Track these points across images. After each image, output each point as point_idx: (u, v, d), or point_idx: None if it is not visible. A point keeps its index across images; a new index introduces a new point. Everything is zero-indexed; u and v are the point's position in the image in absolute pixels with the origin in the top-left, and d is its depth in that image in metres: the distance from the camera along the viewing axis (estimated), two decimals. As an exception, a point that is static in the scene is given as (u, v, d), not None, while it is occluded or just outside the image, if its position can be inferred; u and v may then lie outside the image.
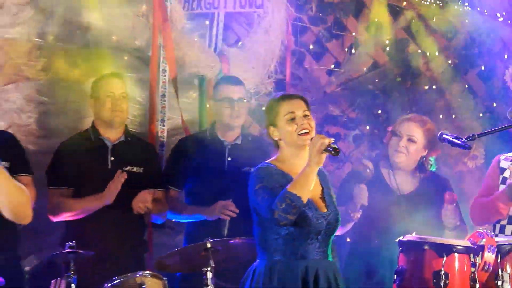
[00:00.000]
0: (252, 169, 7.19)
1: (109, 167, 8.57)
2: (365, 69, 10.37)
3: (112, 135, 8.58)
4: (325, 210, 6.87)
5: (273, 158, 7.00)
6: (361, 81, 10.35)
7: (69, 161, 8.56)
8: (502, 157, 8.53)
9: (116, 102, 8.11)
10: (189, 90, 9.90)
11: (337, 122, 10.27)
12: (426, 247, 7.20)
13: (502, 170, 8.45)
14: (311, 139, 6.71)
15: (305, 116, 6.85)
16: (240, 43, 9.88)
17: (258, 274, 6.83)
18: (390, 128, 8.65)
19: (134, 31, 9.64)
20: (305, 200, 6.61)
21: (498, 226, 8.44)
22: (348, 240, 8.85)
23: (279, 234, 6.74)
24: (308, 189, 6.64)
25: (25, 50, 9.21)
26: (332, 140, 6.70)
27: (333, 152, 6.59)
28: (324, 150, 6.52)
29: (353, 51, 10.40)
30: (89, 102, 8.68)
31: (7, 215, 6.29)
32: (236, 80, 9.08)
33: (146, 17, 9.59)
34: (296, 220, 6.71)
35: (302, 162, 6.82)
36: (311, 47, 10.19)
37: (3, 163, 6.32)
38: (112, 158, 8.18)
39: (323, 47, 10.31)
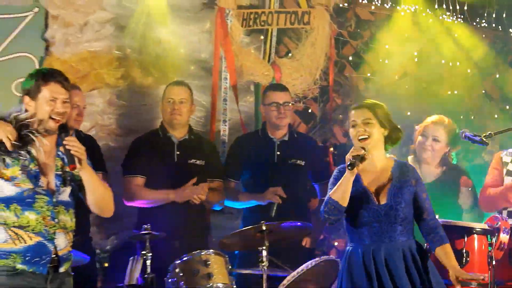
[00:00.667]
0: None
1: (175, 160, 8.99)
2: (396, 77, 10.64)
3: (177, 133, 8.97)
4: (383, 203, 6.97)
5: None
6: (393, 87, 10.58)
7: (141, 154, 8.95)
8: (504, 154, 8.80)
9: (175, 106, 8.45)
10: (247, 95, 10.25)
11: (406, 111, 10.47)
12: (448, 229, 7.44)
13: (505, 163, 8.73)
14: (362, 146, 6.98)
15: (366, 123, 6.97)
16: (290, 54, 10.16)
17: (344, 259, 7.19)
18: (417, 128, 8.95)
19: (199, 45, 10.09)
20: (344, 204, 6.83)
21: (505, 212, 8.66)
22: None
23: (348, 225, 7.14)
24: (345, 194, 6.83)
25: (106, 61, 9.64)
26: (361, 152, 6.84)
27: (349, 167, 6.77)
28: (349, 162, 6.78)
29: (386, 61, 10.60)
30: (160, 105, 9.09)
31: (93, 209, 6.44)
32: (282, 87, 9.39)
33: (209, 33, 10.01)
34: (353, 212, 7.03)
35: (368, 166, 7.04)
36: (350, 58, 10.50)
37: (88, 161, 6.41)
38: (178, 153, 8.54)
39: (360, 58, 10.60)
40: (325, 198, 7.05)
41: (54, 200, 6.07)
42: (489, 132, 8.17)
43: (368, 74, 10.61)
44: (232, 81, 9.86)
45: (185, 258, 7.88)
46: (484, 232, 7.62)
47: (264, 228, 7.70)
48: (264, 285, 7.75)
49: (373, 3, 10.57)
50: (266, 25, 10.12)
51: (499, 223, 7.60)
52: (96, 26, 9.79)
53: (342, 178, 6.91)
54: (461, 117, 9.94)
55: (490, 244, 7.45)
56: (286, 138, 9.04)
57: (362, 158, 6.72)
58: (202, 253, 7.89)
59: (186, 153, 8.86)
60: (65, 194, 6.15)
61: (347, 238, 7.34)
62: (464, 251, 7.58)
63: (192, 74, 10.05)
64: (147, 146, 9.31)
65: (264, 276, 7.74)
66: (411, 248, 6.93)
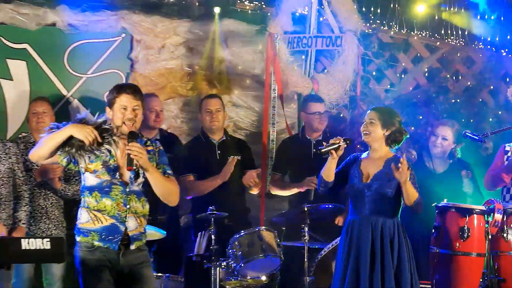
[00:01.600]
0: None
1: (217, 158, 9.38)
2: (411, 88, 11.05)
3: (215, 136, 9.45)
4: (368, 181, 7.57)
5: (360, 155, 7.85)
6: (408, 97, 10.96)
7: (190, 156, 9.37)
8: (507, 144, 9.08)
9: (213, 115, 8.90)
10: (291, 103, 10.60)
11: (421, 117, 10.74)
12: (454, 210, 8.07)
13: (506, 152, 9.05)
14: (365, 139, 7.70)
15: (370, 122, 7.58)
16: (325, 70, 10.56)
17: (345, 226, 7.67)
18: (429, 129, 9.41)
19: (253, 63, 10.51)
20: (328, 179, 7.59)
21: (508, 196, 9.05)
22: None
23: (350, 200, 7.71)
24: (329, 173, 7.57)
25: (179, 76, 10.21)
26: (337, 142, 7.49)
27: (319, 150, 7.59)
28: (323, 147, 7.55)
29: (402, 76, 11.12)
30: (199, 115, 9.57)
31: (161, 198, 6.79)
32: (321, 99, 9.81)
33: (261, 53, 10.43)
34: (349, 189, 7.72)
35: (371, 154, 7.76)
36: (374, 73, 10.89)
37: (164, 158, 6.93)
38: (219, 152, 8.96)
39: (382, 73, 10.99)
40: (322, 180, 7.67)
41: (127, 190, 6.56)
42: (486, 132, 8.87)
43: (388, 86, 11.01)
44: (280, 92, 10.24)
45: (242, 233, 8.34)
46: (482, 212, 8.08)
47: (305, 209, 8.28)
48: (306, 255, 8.32)
49: (392, 29, 10.92)
50: (306, 47, 10.47)
51: (494, 205, 8.03)
52: (171, 48, 10.26)
53: (327, 161, 7.56)
54: (463, 120, 10.27)
55: (487, 222, 8.02)
56: (320, 138, 9.37)
57: (337, 147, 7.33)
58: (256, 229, 8.39)
59: (225, 151, 9.27)
60: (136, 185, 6.63)
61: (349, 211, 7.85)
62: (466, 227, 8.00)
63: (247, 86, 10.57)
64: (194, 150, 9.61)
65: (306, 248, 8.33)
66: (393, 222, 7.48)
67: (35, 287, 9.05)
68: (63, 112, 9.91)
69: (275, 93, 10.35)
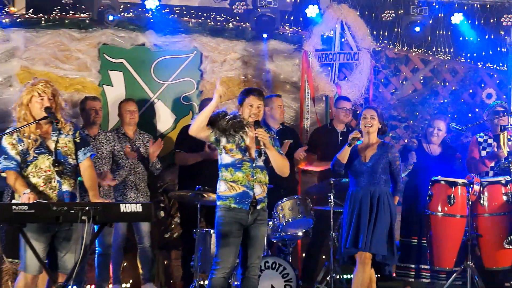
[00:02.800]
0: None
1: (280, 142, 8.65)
2: (410, 91, 11.22)
3: (276, 126, 9.42)
4: (367, 161, 7.97)
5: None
6: (408, 98, 11.22)
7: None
8: (478, 136, 9.34)
9: (281, 109, 8.95)
10: (320, 103, 10.78)
11: (396, 119, 11.08)
12: (443, 182, 8.39)
13: (479, 143, 9.28)
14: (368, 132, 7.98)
15: (372, 118, 7.98)
16: (346, 78, 10.74)
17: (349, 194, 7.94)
18: (426, 122, 9.62)
19: (292, 73, 10.76)
20: (343, 161, 7.93)
21: (483, 173, 9.15)
22: (406, 178, 9.36)
23: (350, 176, 7.94)
24: (345, 156, 7.92)
25: (237, 83, 10.51)
26: (358, 135, 7.98)
27: (349, 143, 7.94)
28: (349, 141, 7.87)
29: (404, 82, 11.29)
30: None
31: (277, 171, 7.31)
32: (348, 98, 9.97)
33: (298, 65, 10.69)
34: (352, 168, 8.06)
35: (367, 141, 8.10)
36: (382, 80, 11.08)
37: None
38: (277, 137, 7.82)
39: (388, 80, 11.18)
40: (337, 160, 7.99)
41: (254, 165, 6.97)
42: (467, 124, 9.22)
43: (393, 90, 11.18)
44: (312, 94, 10.46)
45: (285, 200, 8.63)
46: (464, 184, 8.42)
47: (331, 182, 8.52)
48: (331, 216, 8.66)
49: (396, 47, 11.16)
50: (332, 61, 10.75)
51: (474, 179, 8.32)
52: (230, 62, 10.56)
53: (344, 148, 7.92)
54: (449, 115, 10.45)
55: (468, 192, 8.28)
56: (345, 130, 9.58)
57: (358, 139, 7.64)
58: (295, 197, 8.69)
59: (281, 137, 8.80)
60: (260, 161, 7.01)
61: (350, 183, 8.09)
62: (452, 195, 8.41)
63: (287, 90, 10.76)
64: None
65: (331, 211, 8.63)
66: (384, 191, 7.87)
67: (128, 239, 9.33)
68: (148, 110, 10.28)
69: (308, 95, 10.57)
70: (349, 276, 8.59)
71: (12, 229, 7.51)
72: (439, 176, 8.77)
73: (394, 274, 9.57)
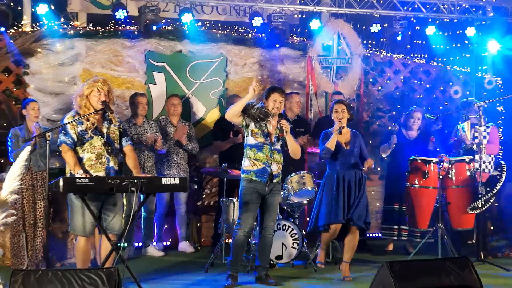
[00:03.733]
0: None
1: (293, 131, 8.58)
2: (393, 89, 11.14)
3: (292, 117, 9.21)
4: (348, 148, 7.68)
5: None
6: (391, 94, 11.18)
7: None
8: (459, 126, 9.18)
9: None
10: (321, 98, 10.66)
11: (381, 110, 11.07)
12: (419, 160, 8.35)
13: (457, 131, 9.13)
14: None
15: (343, 111, 7.69)
16: (342, 78, 10.64)
17: (325, 177, 7.73)
18: (407, 113, 9.36)
19: (299, 73, 10.62)
20: (332, 148, 7.51)
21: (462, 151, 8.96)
22: (386, 159, 9.51)
23: (325, 157, 7.61)
24: (333, 144, 7.53)
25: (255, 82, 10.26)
26: (342, 125, 7.66)
27: (338, 131, 7.59)
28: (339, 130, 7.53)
29: (388, 81, 11.19)
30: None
31: (291, 155, 7.36)
32: (340, 93, 9.83)
33: (304, 68, 10.55)
34: (334, 153, 7.62)
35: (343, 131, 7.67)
36: (370, 80, 11.00)
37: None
38: (292, 126, 7.81)
39: (376, 80, 11.09)
40: (323, 147, 7.63)
41: (272, 148, 7.04)
42: (438, 114, 9.20)
43: (380, 87, 11.08)
44: (314, 91, 10.44)
45: (293, 175, 8.50)
46: (436, 162, 8.33)
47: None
48: None
49: (382, 53, 11.06)
50: (330, 64, 10.71)
51: (443, 158, 8.27)
52: (250, 65, 10.49)
53: (332, 137, 7.55)
54: (423, 108, 10.28)
55: (439, 168, 8.24)
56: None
57: (342, 128, 7.46)
58: (301, 172, 8.56)
59: (296, 126, 9.08)
60: (278, 145, 7.08)
61: (327, 167, 7.85)
62: (426, 171, 8.39)
63: (295, 88, 10.54)
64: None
65: None
66: (358, 175, 7.61)
67: (169, 206, 9.34)
68: (185, 103, 10.08)
69: (312, 91, 10.53)
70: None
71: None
72: (416, 156, 8.72)
73: (380, 234, 9.73)
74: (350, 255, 7.69)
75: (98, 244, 6.93)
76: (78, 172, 6.27)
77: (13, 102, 8.99)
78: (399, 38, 11.07)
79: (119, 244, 6.51)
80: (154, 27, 9.91)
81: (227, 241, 8.41)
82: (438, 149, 9.16)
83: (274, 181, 7.23)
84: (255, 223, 7.49)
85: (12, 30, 9.30)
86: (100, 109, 6.60)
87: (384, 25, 10.83)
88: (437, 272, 5.51)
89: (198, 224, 10.02)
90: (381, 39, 11.05)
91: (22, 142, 7.59)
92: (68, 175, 6.42)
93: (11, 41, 9.25)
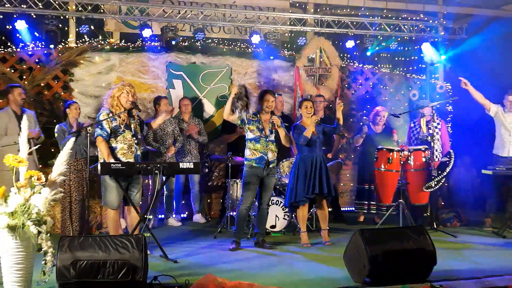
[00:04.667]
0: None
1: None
2: (363, 92, 10.96)
3: (277, 114, 8.44)
4: (316, 135, 7.39)
5: (301, 120, 7.58)
6: (363, 97, 10.94)
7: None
8: (411, 124, 9.12)
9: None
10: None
11: (355, 110, 10.87)
12: (384, 149, 8.27)
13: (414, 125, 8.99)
14: (311, 116, 7.41)
15: (311, 107, 7.51)
16: (323, 84, 10.49)
17: (298, 159, 7.48)
18: (374, 112, 9.26)
19: (289, 80, 10.45)
20: (309, 136, 7.28)
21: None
22: (359, 148, 9.41)
23: (301, 145, 7.35)
24: (310, 133, 7.29)
25: (253, 87, 10.13)
26: (318, 118, 7.49)
27: (317, 123, 7.41)
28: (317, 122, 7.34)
29: (360, 86, 11.01)
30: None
31: (283, 143, 7.29)
32: (322, 96, 9.62)
33: (292, 75, 10.38)
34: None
35: (311, 123, 7.40)
36: (346, 85, 10.84)
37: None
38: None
39: (350, 85, 10.91)
40: (302, 136, 7.34)
41: (267, 139, 7.05)
42: (400, 113, 8.95)
43: (353, 91, 10.90)
44: (301, 94, 10.23)
45: (284, 161, 8.56)
46: (398, 151, 8.30)
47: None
48: None
49: (355, 64, 10.89)
50: (314, 73, 10.53)
51: (404, 147, 8.30)
52: (250, 73, 10.39)
53: (309, 128, 7.33)
54: (388, 107, 10.07)
55: (400, 155, 8.25)
56: (323, 116, 9.06)
57: (318, 120, 7.32)
58: (291, 158, 8.45)
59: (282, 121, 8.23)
60: (272, 137, 7.05)
61: (300, 150, 7.54)
62: (390, 157, 8.31)
63: (286, 92, 10.39)
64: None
65: None
66: (323, 156, 7.42)
67: (185, 186, 9.25)
68: (198, 104, 10.07)
69: (299, 95, 10.35)
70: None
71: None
72: (382, 146, 8.66)
73: (353, 208, 9.65)
74: (326, 223, 7.63)
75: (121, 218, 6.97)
76: (110, 160, 6.39)
77: (61, 103, 8.90)
78: (369, 53, 11.00)
79: (145, 216, 6.60)
80: (173, 43, 9.88)
81: (231, 214, 8.37)
82: (399, 140, 9.08)
83: (270, 166, 7.25)
84: (254, 199, 7.45)
85: (60, 46, 9.33)
86: (130, 108, 6.66)
87: (357, 42, 10.73)
88: (399, 238, 5.53)
89: (208, 200, 9.97)
90: (354, 53, 10.90)
91: (67, 134, 7.65)
92: (101, 161, 6.43)
93: (60, 54, 9.27)
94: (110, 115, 6.52)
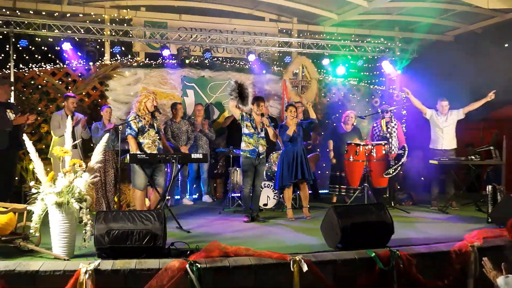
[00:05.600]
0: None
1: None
2: (336, 100, 10.81)
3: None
4: (296, 133, 7.23)
5: (286, 121, 7.41)
6: (336, 103, 10.77)
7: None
8: (374, 124, 8.89)
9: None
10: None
11: (329, 113, 10.63)
12: (352, 144, 8.11)
13: (374, 126, 8.82)
14: (293, 119, 7.28)
15: (294, 111, 7.33)
16: (304, 93, 10.29)
17: (283, 152, 7.38)
18: (345, 115, 9.01)
19: (277, 90, 10.30)
20: (291, 135, 7.20)
21: (375, 140, 8.69)
22: (334, 143, 8.96)
23: (285, 141, 7.23)
24: (291, 132, 7.21)
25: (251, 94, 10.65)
26: (298, 120, 7.32)
27: (299, 123, 7.23)
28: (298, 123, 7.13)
29: (333, 95, 10.87)
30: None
31: (271, 139, 7.13)
32: (300, 102, 9.42)
33: (280, 86, 10.28)
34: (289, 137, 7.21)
35: (291, 122, 7.30)
36: (323, 94, 10.67)
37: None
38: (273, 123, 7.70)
39: (326, 94, 10.79)
40: (285, 134, 7.23)
41: (258, 136, 6.94)
42: (365, 115, 8.96)
43: (328, 99, 10.81)
44: (287, 101, 10.02)
45: (274, 153, 8.33)
46: (363, 145, 8.18)
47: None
48: None
49: (330, 76, 10.76)
50: (298, 84, 10.49)
51: (368, 143, 8.16)
52: (247, 85, 9.12)
53: (290, 127, 7.22)
54: (355, 111, 9.51)
55: (365, 149, 8.06)
56: (303, 119, 8.87)
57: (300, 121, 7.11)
58: (279, 151, 8.09)
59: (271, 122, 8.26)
60: (262, 134, 6.91)
61: (284, 145, 7.42)
62: (357, 150, 8.18)
63: (275, 100, 10.35)
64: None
65: None
66: (303, 149, 7.31)
67: (197, 173, 9.14)
68: (206, 110, 9.93)
69: (285, 101, 10.23)
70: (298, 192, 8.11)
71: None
72: (351, 141, 8.54)
73: (328, 191, 9.44)
74: (306, 202, 7.55)
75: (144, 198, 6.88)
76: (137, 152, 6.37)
77: (99, 108, 8.85)
78: (340, 70, 10.88)
79: (165, 196, 6.57)
80: (187, 61, 9.81)
81: (233, 195, 8.32)
82: (365, 137, 9.01)
83: (261, 157, 7.14)
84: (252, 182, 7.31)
85: (98, 63, 9.32)
86: (153, 111, 6.64)
87: (331, 60, 10.65)
88: (364, 213, 5.51)
89: (215, 184, 9.87)
90: (329, 69, 10.82)
91: (100, 131, 7.72)
92: (130, 153, 6.41)
93: (97, 70, 9.22)
94: (137, 117, 6.51)
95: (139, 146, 6.45)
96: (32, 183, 4.90)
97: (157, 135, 6.59)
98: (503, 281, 3.26)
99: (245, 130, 7.18)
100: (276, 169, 7.99)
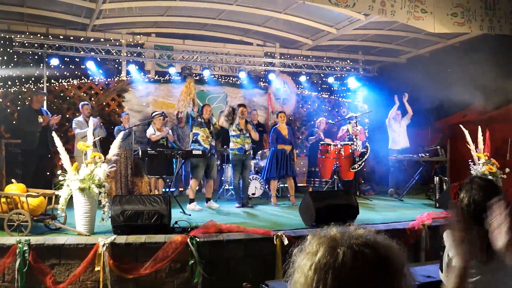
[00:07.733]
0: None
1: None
2: (312, 110, 10.59)
3: (254, 122, 8.65)
4: (287, 137, 7.19)
5: (278, 125, 7.33)
6: (311, 112, 10.58)
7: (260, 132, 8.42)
8: (344, 127, 8.75)
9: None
10: (275, 115, 8.94)
11: (306, 121, 10.67)
12: (326, 144, 8.06)
13: (342, 129, 8.72)
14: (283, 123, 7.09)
15: (283, 117, 7.30)
16: (286, 104, 10.28)
17: (273, 151, 7.24)
18: (318, 122, 8.94)
19: (263, 102, 10.14)
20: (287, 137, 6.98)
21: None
22: (309, 145, 8.98)
23: (276, 142, 7.13)
24: (285, 135, 7.11)
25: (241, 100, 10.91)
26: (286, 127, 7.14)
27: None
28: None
29: (309, 106, 10.73)
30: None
31: (253, 138, 7.00)
32: (284, 112, 8.70)
33: (266, 99, 10.19)
34: (279, 139, 7.13)
35: (284, 127, 7.27)
36: (300, 105, 10.59)
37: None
38: (255, 127, 7.59)
39: (303, 106, 10.64)
40: (275, 137, 7.12)
41: (244, 136, 6.89)
42: (334, 121, 8.92)
43: (305, 109, 10.65)
44: (272, 110, 10.10)
45: (265, 149, 8.60)
46: (334, 145, 8.14)
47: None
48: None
49: (306, 91, 10.60)
50: (280, 97, 10.39)
51: (338, 143, 8.13)
52: (238, 98, 9.99)
53: (280, 130, 7.11)
54: (327, 119, 9.38)
55: (335, 148, 8.01)
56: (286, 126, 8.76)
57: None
58: (265, 150, 8.17)
59: (258, 127, 8.49)
60: (247, 134, 6.84)
61: (272, 146, 7.25)
62: (328, 149, 8.11)
63: (262, 110, 10.15)
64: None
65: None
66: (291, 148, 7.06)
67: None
68: None
69: (270, 111, 10.25)
70: (285, 185, 8.05)
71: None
72: (323, 142, 8.49)
73: (306, 184, 9.31)
74: (293, 191, 7.49)
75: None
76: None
77: (116, 115, 8.89)
78: (314, 82, 10.96)
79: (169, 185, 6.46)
80: (189, 77, 9.61)
81: (226, 187, 8.28)
82: (336, 140, 8.87)
83: (247, 153, 7.05)
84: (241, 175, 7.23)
85: (116, 79, 9.25)
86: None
87: (307, 78, 10.64)
88: (334, 197, 5.53)
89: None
90: (305, 84, 10.76)
91: (120, 131, 7.49)
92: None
93: (115, 84, 9.17)
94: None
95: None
96: (59, 172, 4.88)
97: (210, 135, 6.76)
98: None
99: (232, 133, 7.10)
100: (263, 165, 7.94)
